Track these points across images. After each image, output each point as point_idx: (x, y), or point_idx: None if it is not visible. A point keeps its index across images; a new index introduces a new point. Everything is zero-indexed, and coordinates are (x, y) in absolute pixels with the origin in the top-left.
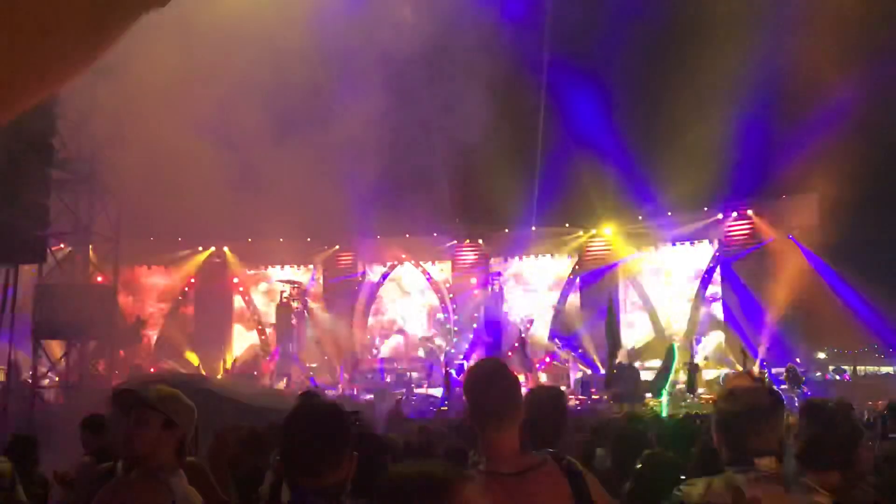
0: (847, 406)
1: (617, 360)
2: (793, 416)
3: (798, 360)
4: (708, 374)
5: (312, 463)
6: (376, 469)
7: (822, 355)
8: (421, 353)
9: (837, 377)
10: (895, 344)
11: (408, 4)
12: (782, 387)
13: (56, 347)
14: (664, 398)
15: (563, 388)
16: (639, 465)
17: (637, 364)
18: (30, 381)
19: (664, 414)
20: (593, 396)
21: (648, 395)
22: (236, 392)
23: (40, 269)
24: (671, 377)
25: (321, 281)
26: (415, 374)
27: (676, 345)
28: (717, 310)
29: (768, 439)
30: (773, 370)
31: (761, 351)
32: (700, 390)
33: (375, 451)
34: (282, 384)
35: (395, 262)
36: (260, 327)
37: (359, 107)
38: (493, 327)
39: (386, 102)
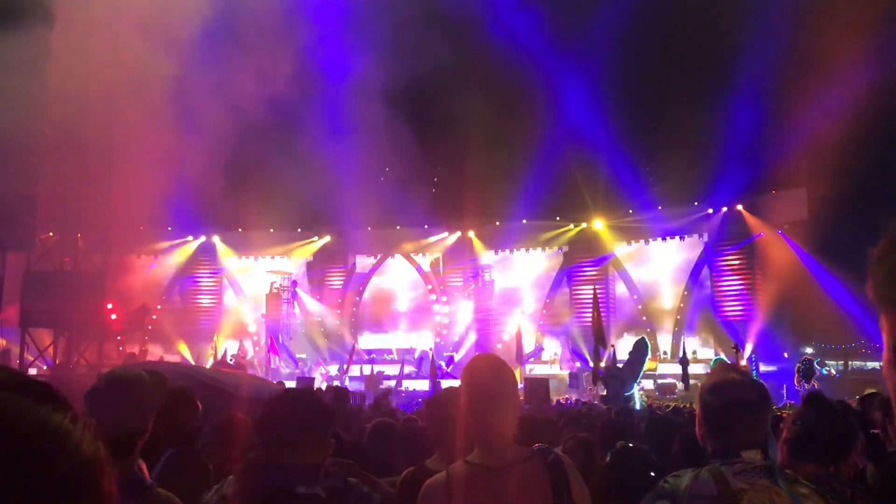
0: (847, 407)
1: (603, 362)
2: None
3: (786, 354)
4: (696, 368)
5: (296, 440)
6: None
7: (810, 350)
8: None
9: (825, 371)
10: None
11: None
12: (805, 381)
13: (45, 335)
14: (635, 390)
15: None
16: (608, 458)
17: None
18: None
19: (637, 406)
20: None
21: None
22: (223, 381)
23: (28, 257)
24: (643, 370)
25: (311, 271)
26: (406, 366)
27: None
28: (707, 304)
29: (755, 433)
30: (762, 365)
31: (750, 345)
32: (692, 382)
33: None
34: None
35: (386, 254)
36: (249, 317)
37: (351, 102)
38: (484, 319)
39: (379, 97)
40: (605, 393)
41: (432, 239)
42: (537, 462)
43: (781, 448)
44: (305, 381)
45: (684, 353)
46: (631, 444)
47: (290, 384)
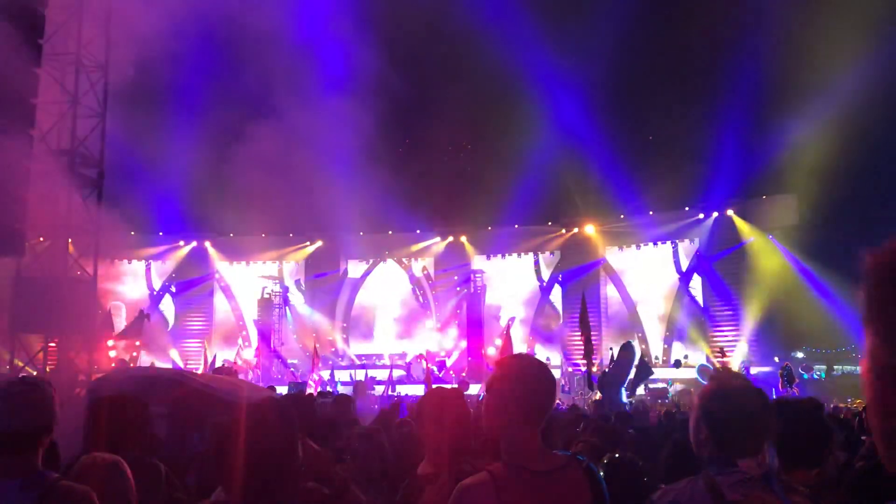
0: (818, 405)
1: (595, 367)
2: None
3: (777, 359)
4: (687, 373)
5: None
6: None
7: (800, 355)
8: (401, 349)
9: (815, 376)
10: None
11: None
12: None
13: (35, 341)
14: (623, 394)
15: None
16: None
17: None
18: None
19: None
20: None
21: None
22: (215, 387)
23: (19, 263)
24: (631, 374)
25: (303, 277)
26: (396, 371)
27: (636, 342)
28: (697, 308)
29: (757, 441)
30: (753, 370)
31: (741, 350)
32: (678, 387)
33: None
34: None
35: (378, 259)
36: (241, 323)
37: (343, 107)
38: (475, 324)
39: (372, 103)
40: (598, 398)
41: (424, 244)
42: (576, 468)
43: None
44: (298, 387)
45: (642, 360)
46: (619, 455)
47: (282, 389)
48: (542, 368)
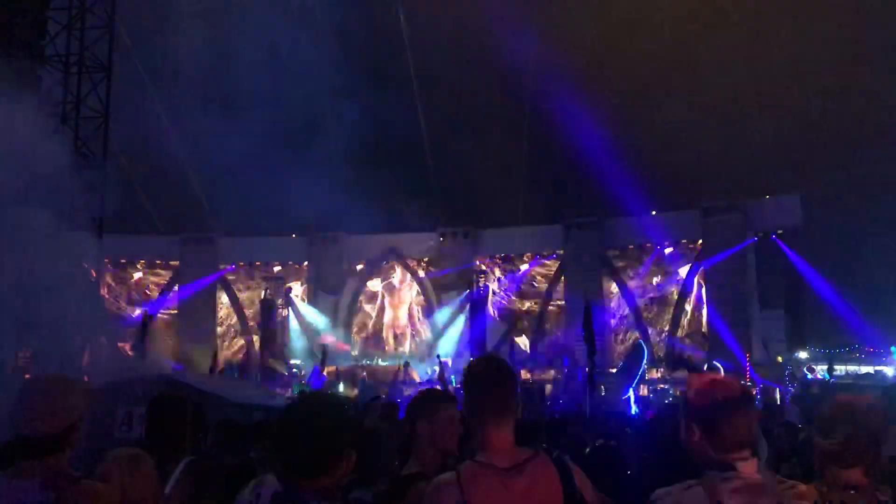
0: (873, 406)
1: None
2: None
3: (780, 358)
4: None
5: (311, 464)
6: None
7: (804, 355)
8: (404, 350)
9: (820, 376)
10: (875, 343)
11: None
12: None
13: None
14: (630, 394)
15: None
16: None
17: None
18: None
19: (633, 412)
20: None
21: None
22: (220, 388)
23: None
24: (640, 374)
25: (306, 277)
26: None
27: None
28: (701, 308)
29: (746, 431)
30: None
31: (744, 349)
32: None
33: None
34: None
35: (381, 259)
36: (244, 324)
37: (347, 106)
38: (478, 325)
39: (375, 102)
40: (602, 396)
41: (427, 244)
42: (544, 461)
43: (820, 458)
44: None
45: (625, 360)
46: (602, 443)
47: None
48: (499, 367)
